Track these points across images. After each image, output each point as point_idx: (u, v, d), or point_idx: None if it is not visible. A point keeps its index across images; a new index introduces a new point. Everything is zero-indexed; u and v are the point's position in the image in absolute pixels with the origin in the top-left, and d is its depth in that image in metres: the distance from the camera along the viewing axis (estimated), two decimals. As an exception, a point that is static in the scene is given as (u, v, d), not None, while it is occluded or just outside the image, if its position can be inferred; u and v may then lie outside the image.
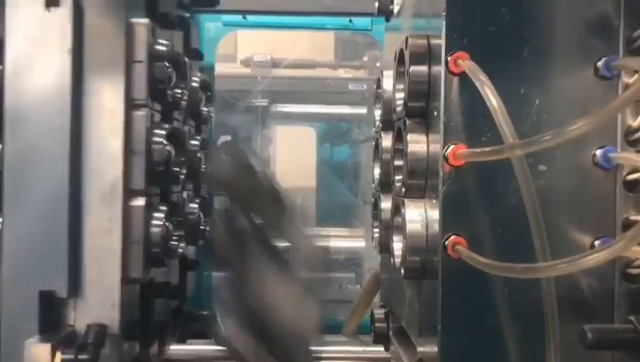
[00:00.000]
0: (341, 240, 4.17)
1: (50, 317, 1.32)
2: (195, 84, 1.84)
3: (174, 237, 1.55)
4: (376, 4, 1.73)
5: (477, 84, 1.04)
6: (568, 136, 0.92)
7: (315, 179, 4.38)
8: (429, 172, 1.20)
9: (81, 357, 1.25)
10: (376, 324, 1.72)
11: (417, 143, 1.23)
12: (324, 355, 1.99)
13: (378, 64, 3.70)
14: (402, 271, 1.26)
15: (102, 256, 1.35)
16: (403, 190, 1.29)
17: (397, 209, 1.34)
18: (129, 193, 1.37)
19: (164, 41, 1.47)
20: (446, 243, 1.10)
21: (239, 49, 3.91)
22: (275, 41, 3.84)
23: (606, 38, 1.12)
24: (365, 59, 3.98)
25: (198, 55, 2.08)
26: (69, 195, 1.32)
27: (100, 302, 1.34)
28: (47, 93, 1.32)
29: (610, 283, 1.12)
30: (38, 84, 1.33)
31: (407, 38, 1.26)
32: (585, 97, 1.11)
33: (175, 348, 1.84)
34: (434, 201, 1.15)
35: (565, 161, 1.11)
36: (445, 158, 1.10)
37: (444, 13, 1.10)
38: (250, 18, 2.64)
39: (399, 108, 1.38)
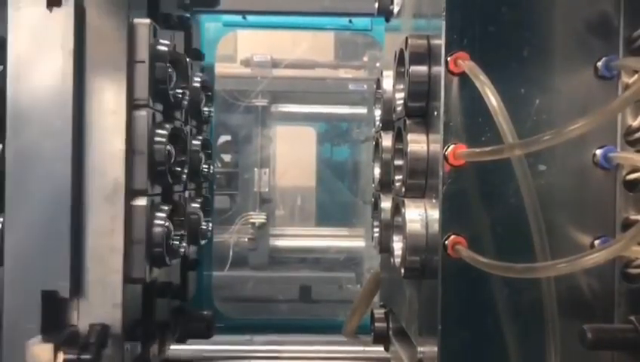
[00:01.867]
0: (341, 239, 4.17)
1: (53, 316, 1.31)
2: (196, 84, 1.84)
3: (176, 237, 1.55)
4: (376, 5, 1.73)
5: (477, 84, 1.04)
6: (568, 136, 0.92)
7: (315, 178, 4.38)
8: (429, 172, 1.20)
9: (83, 357, 1.25)
10: (376, 324, 1.72)
11: (417, 143, 1.23)
12: (324, 355, 2.00)
13: (378, 64, 3.70)
14: (402, 270, 1.26)
15: (104, 256, 1.34)
16: (403, 190, 1.29)
17: (397, 209, 1.35)
18: (131, 193, 1.37)
19: (165, 41, 1.47)
20: (446, 242, 1.10)
21: (239, 49, 3.91)
22: (275, 42, 3.84)
23: (606, 38, 1.12)
24: (365, 59, 3.99)
25: (198, 55, 2.08)
26: (72, 195, 1.32)
27: (102, 302, 1.34)
28: (49, 94, 1.32)
29: (610, 283, 1.12)
30: (40, 85, 1.32)
31: (407, 39, 1.26)
32: (585, 97, 1.12)
33: (175, 348, 1.84)
34: (434, 201, 1.15)
35: (565, 161, 1.11)
36: (445, 158, 1.10)
37: (444, 14, 1.10)
38: (250, 18, 2.65)
39: (399, 108, 1.38)
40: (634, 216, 1.11)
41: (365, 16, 2.61)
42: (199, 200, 1.93)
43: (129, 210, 1.36)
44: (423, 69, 1.21)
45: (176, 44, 1.71)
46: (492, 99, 1.01)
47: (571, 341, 1.04)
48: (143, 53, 1.36)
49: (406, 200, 1.25)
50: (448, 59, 1.10)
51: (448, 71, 1.10)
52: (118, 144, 1.34)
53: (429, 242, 1.19)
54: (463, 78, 1.09)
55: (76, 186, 1.33)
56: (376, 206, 1.69)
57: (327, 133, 4.48)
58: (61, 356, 1.23)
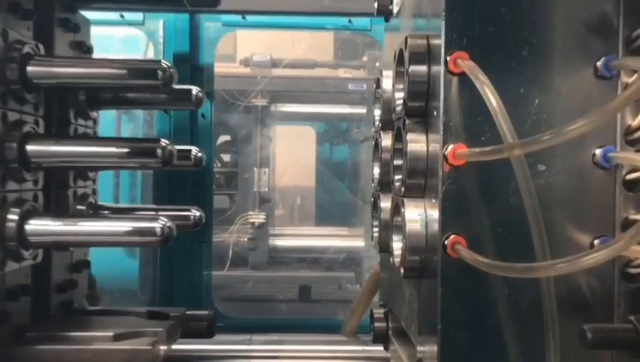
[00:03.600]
0: (340, 239, 4.17)
1: None
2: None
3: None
4: (376, 5, 1.73)
5: (476, 83, 1.04)
6: (568, 136, 0.92)
7: (315, 178, 4.38)
8: (429, 171, 1.20)
9: None
10: (376, 324, 1.73)
11: (417, 143, 1.23)
12: (323, 355, 1.99)
13: (377, 64, 3.71)
14: (402, 270, 1.26)
15: None
16: (402, 189, 1.29)
17: (396, 208, 1.35)
18: None
19: (22, 41, 1.52)
20: (445, 242, 1.10)
21: (239, 49, 3.92)
22: (275, 41, 3.85)
23: (605, 38, 1.12)
24: (364, 59, 3.99)
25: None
26: None
27: None
28: None
29: (609, 283, 1.12)
30: None
31: (406, 38, 1.26)
32: (584, 97, 1.12)
33: (175, 348, 1.84)
34: (433, 201, 1.15)
35: (565, 161, 1.11)
36: (445, 158, 1.10)
37: (443, 13, 1.10)
38: (250, 18, 2.64)
39: (399, 108, 1.38)
40: (633, 216, 1.11)
41: (365, 16, 2.60)
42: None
43: None
44: (422, 68, 1.21)
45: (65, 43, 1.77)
46: (491, 99, 1.01)
47: (571, 341, 1.04)
48: None
49: (405, 200, 1.25)
50: (448, 58, 1.10)
51: (448, 71, 1.10)
52: None
53: (429, 242, 1.19)
54: (463, 77, 1.09)
55: None
56: (375, 206, 1.69)
57: (326, 133, 4.48)
58: None
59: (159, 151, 1.55)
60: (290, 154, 4.33)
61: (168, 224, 1.51)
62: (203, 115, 2.46)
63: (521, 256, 1.00)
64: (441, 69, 1.11)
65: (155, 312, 1.82)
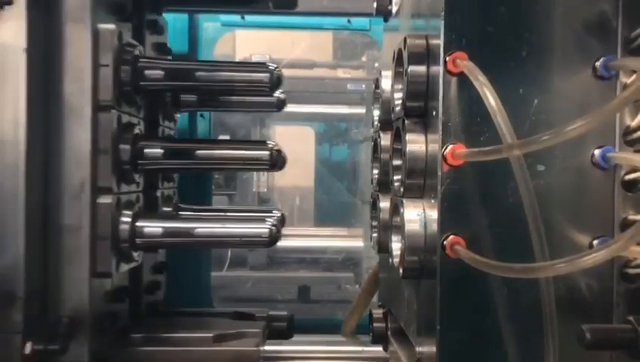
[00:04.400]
0: (339, 239, 4.17)
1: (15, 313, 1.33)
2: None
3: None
4: (375, 5, 1.73)
5: (475, 84, 1.04)
6: (567, 136, 0.92)
7: (314, 178, 4.38)
8: (428, 172, 1.20)
9: (51, 347, 1.28)
10: (375, 324, 1.73)
11: (416, 143, 1.23)
12: (322, 355, 1.99)
13: (376, 64, 3.71)
14: (401, 270, 1.26)
15: (72, 252, 1.38)
16: (402, 190, 1.29)
17: (396, 209, 1.34)
18: (97, 191, 1.40)
19: (133, 43, 1.52)
20: (444, 243, 1.10)
21: (237, 49, 3.91)
22: (274, 41, 3.85)
23: (604, 38, 1.12)
24: (364, 59, 3.99)
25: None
26: (36, 195, 1.34)
27: (69, 296, 1.38)
28: (5, 98, 1.33)
29: (608, 283, 1.12)
30: None
31: (405, 38, 1.26)
32: (583, 97, 1.12)
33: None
34: (432, 201, 1.15)
35: (564, 161, 1.12)
36: (444, 158, 1.10)
37: (442, 14, 1.10)
38: (249, 18, 2.64)
39: (398, 108, 1.38)
40: (633, 216, 1.11)
41: (364, 16, 2.60)
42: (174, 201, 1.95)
43: (95, 207, 1.39)
44: (421, 68, 1.21)
45: (147, 45, 1.77)
46: (491, 99, 1.01)
47: (570, 341, 1.04)
48: (106, 57, 1.39)
49: (405, 201, 1.25)
50: (447, 59, 1.10)
51: (447, 71, 1.10)
52: (84, 144, 1.38)
53: (428, 242, 1.19)
54: (462, 78, 1.09)
55: (42, 186, 1.37)
56: (374, 206, 1.69)
57: (325, 133, 4.48)
58: (29, 346, 1.26)
59: (269, 154, 1.58)
60: (289, 155, 4.33)
61: (275, 226, 1.52)
62: (202, 115, 2.46)
63: (521, 257, 1.00)
64: (441, 69, 1.11)
65: (241, 313, 1.83)
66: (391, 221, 1.40)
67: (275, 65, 1.58)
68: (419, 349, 1.28)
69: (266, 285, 3.95)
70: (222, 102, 1.94)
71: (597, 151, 1.11)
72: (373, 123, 1.80)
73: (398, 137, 1.40)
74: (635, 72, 1.09)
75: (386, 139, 1.56)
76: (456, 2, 1.10)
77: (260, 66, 1.63)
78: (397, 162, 1.41)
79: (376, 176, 1.69)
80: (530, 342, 1.08)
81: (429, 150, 1.21)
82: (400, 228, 1.26)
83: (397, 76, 1.41)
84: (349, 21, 2.66)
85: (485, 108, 1.02)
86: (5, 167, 1.32)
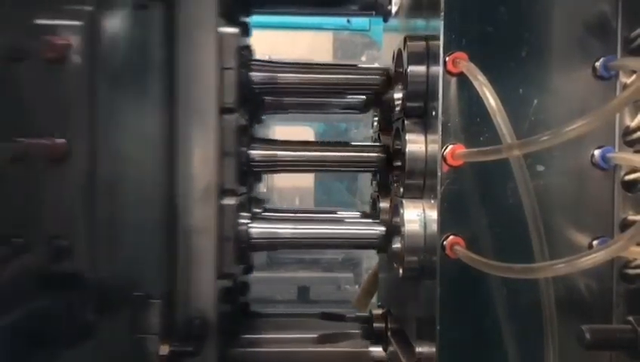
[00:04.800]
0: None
1: (146, 317, 1.35)
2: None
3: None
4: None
5: (475, 84, 1.04)
6: (567, 137, 0.92)
7: (313, 179, 4.38)
8: (428, 172, 1.20)
9: (187, 348, 1.31)
10: (375, 324, 1.72)
11: (415, 143, 1.23)
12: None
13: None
14: (401, 271, 1.26)
15: (198, 254, 1.38)
16: (401, 190, 1.29)
17: (395, 209, 1.34)
18: (221, 193, 1.41)
19: (246, 48, 1.55)
20: (444, 243, 1.10)
21: (237, 49, 3.91)
22: (274, 41, 3.84)
23: (604, 38, 1.12)
24: (363, 59, 3.99)
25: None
26: (165, 197, 1.34)
27: (197, 297, 1.38)
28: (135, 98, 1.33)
29: (608, 284, 1.12)
30: (132, 90, 1.33)
31: (405, 39, 1.26)
32: (583, 97, 1.12)
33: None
34: (432, 201, 1.15)
35: (563, 161, 1.11)
36: (443, 158, 1.10)
37: (442, 14, 1.10)
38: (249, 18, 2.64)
39: (397, 109, 1.38)
40: (632, 217, 1.11)
41: (363, 16, 2.60)
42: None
43: (220, 209, 1.39)
44: (421, 69, 1.21)
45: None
46: (490, 99, 1.01)
47: (570, 341, 1.04)
48: (230, 60, 1.39)
49: (404, 201, 1.25)
50: (447, 59, 1.10)
51: (446, 71, 1.10)
52: (210, 147, 1.37)
53: (428, 242, 1.19)
54: (462, 78, 1.09)
55: (169, 188, 1.36)
56: (374, 206, 1.69)
57: (325, 133, 4.48)
58: (166, 347, 1.28)
59: (377, 156, 1.57)
60: (289, 155, 4.33)
61: (384, 229, 1.52)
62: None
63: (520, 257, 0.99)
64: (440, 69, 1.11)
65: (329, 314, 1.82)
66: (391, 221, 1.40)
67: (386, 67, 1.57)
68: (419, 349, 1.28)
69: (265, 285, 3.95)
70: (309, 104, 1.93)
71: (597, 152, 1.11)
72: (372, 123, 1.80)
73: (397, 137, 1.40)
74: (634, 72, 1.09)
75: (385, 140, 1.56)
76: (456, 2, 1.10)
77: (373, 70, 1.62)
78: (396, 162, 1.41)
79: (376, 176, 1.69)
80: (530, 342, 1.08)
81: (428, 150, 1.21)
82: (400, 229, 1.26)
83: (396, 76, 1.41)
84: (348, 21, 2.66)
85: (485, 109, 1.02)
86: (139, 168, 1.33)
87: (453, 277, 1.11)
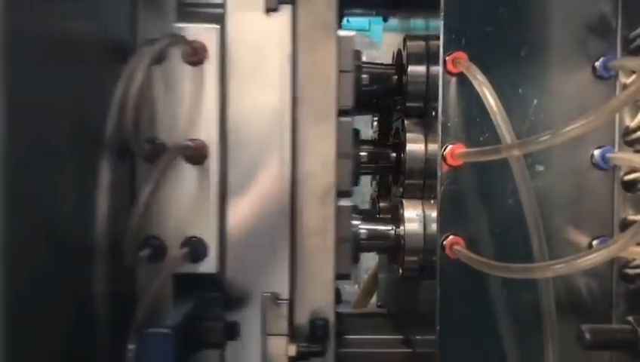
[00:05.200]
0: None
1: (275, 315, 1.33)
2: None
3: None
4: (374, 4, 1.72)
5: (475, 84, 1.04)
6: (566, 137, 0.92)
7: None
8: (427, 172, 1.20)
9: (314, 349, 1.30)
10: (375, 324, 1.72)
11: (415, 143, 1.23)
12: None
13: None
14: (400, 271, 1.26)
15: (317, 254, 1.37)
16: (401, 190, 1.29)
17: (395, 209, 1.34)
18: (339, 194, 1.39)
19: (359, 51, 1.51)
20: (444, 243, 1.10)
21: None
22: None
23: (604, 38, 1.12)
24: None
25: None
26: (290, 200, 1.34)
27: (316, 298, 1.37)
28: (268, 101, 1.32)
29: (608, 284, 1.12)
30: (260, 91, 1.32)
31: (405, 38, 1.26)
32: (583, 97, 1.12)
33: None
34: (432, 201, 1.15)
35: (563, 161, 1.11)
36: (443, 158, 1.10)
37: (442, 14, 1.10)
38: (248, 18, 2.63)
39: (397, 109, 1.38)
40: (632, 217, 1.11)
41: (363, 16, 2.60)
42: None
43: (338, 210, 1.38)
44: (421, 69, 1.21)
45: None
46: (490, 99, 1.01)
47: (569, 341, 1.04)
48: (348, 63, 1.39)
49: (404, 201, 1.25)
50: (446, 59, 1.10)
51: (446, 71, 1.10)
52: (329, 148, 1.36)
53: (427, 242, 1.19)
54: (461, 78, 1.09)
55: (293, 189, 1.36)
56: (374, 206, 1.69)
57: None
58: (294, 348, 1.28)
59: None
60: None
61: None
62: None
63: (520, 257, 0.99)
64: (440, 69, 1.11)
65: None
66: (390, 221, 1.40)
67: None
68: (418, 350, 1.28)
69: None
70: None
71: (596, 152, 1.11)
72: (372, 123, 1.80)
73: (397, 137, 1.40)
74: (634, 72, 1.09)
75: (385, 140, 1.56)
76: (455, 2, 1.10)
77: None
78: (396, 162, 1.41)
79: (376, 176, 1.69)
80: (530, 343, 1.08)
81: (428, 150, 1.21)
82: (399, 229, 1.26)
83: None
84: (348, 21, 2.65)
85: (485, 109, 1.02)
86: (268, 168, 1.32)
87: (453, 277, 1.10)
